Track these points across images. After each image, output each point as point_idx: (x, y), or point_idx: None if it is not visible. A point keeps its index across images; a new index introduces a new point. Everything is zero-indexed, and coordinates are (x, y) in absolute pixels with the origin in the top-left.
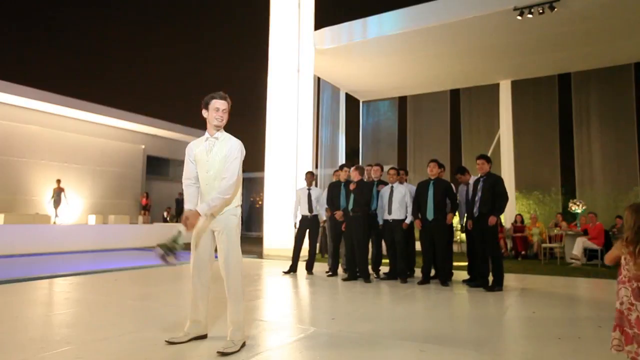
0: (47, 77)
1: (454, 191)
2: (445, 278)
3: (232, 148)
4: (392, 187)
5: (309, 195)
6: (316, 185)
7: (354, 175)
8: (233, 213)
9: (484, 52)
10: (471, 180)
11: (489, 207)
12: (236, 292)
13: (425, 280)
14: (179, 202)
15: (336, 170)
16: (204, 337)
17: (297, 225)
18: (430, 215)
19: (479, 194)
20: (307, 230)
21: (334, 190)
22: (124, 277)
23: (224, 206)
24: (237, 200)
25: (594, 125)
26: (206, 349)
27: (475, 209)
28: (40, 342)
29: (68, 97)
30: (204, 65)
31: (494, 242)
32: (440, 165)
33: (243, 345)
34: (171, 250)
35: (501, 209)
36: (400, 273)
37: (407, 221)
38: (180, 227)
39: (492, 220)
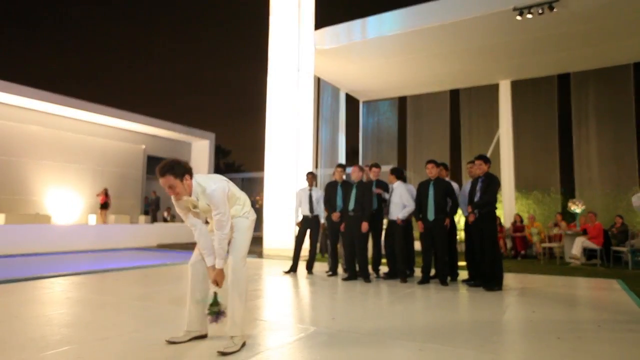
0: (47, 77)
1: (454, 191)
2: (444, 278)
3: (209, 196)
4: (392, 187)
5: (310, 196)
6: (316, 186)
7: (356, 176)
8: (244, 217)
9: (484, 52)
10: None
11: (487, 208)
12: (240, 290)
13: (425, 280)
14: (151, 201)
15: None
16: (204, 336)
17: (299, 225)
18: (431, 215)
19: (478, 194)
20: (308, 231)
21: (330, 190)
22: (124, 277)
23: (227, 238)
24: (246, 207)
25: (593, 125)
26: (206, 349)
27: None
28: (41, 341)
29: (68, 97)
30: (204, 65)
31: (493, 241)
32: (439, 165)
33: (243, 344)
34: (218, 311)
35: (485, 204)
36: (400, 273)
37: (400, 216)
38: (212, 287)
39: (471, 217)
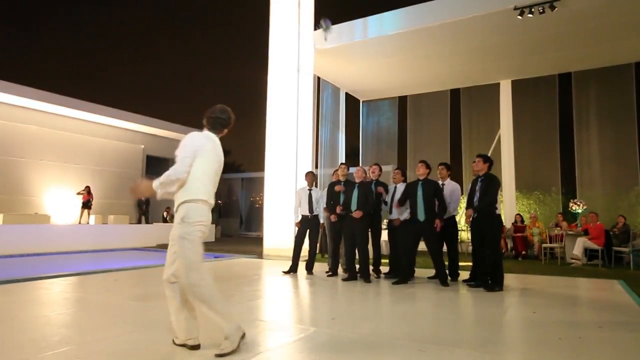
0: (47, 77)
1: (442, 192)
2: (444, 278)
3: None
4: (395, 187)
5: (310, 196)
6: (316, 186)
7: (359, 177)
8: (192, 224)
9: (484, 52)
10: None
11: (488, 209)
12: (205, 301)
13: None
14: (140, 203)
15: (336, 170)
16: (197, 347)
17: (298, 225)
18: (421, 216)
19: (477, 194)
20: (308, 231)
21: (333, 189)
22: (124, 277)
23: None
24: (200, 195)
25: (594, 124)
26: (205, 350)
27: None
28: (40, 342)
29: (68, 97)
30: (204, 65)
31: (494, 242)
32: (429, 167)
33: (243, 336)
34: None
35: (485, 206)
36: (400, 271)
37: (402, 217)
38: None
39: (468, 213)
